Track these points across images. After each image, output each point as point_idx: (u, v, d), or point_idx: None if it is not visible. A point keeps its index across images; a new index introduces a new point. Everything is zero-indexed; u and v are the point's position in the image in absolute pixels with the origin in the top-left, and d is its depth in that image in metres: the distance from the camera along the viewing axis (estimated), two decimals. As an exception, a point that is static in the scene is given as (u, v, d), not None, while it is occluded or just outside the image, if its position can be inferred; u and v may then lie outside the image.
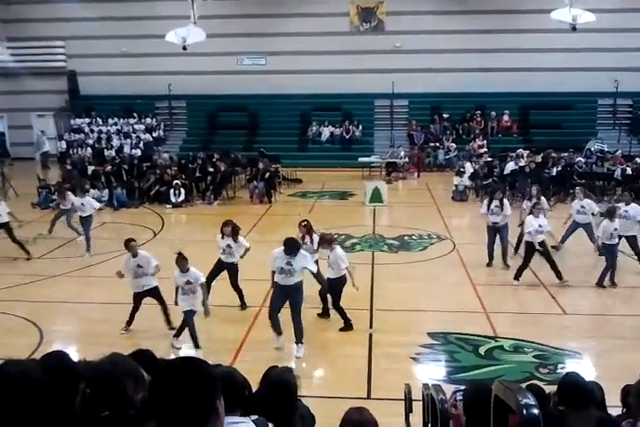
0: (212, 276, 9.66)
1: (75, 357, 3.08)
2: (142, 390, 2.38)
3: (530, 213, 11.27)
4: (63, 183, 17.83)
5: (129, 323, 9.09)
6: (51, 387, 2.51)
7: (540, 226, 10.90)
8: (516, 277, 11.14)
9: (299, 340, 8.45)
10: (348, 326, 9.18)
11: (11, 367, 2.54)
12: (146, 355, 3.30)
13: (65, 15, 26.90)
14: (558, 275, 10.97)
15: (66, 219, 14.21)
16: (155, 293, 9.10)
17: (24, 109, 28.11)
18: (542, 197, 12.69)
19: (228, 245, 9.67)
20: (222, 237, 9.74)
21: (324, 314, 9.64)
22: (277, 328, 8.50)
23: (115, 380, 2.37)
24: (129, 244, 9.11)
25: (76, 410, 2.44)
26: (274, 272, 8.56)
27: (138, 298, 9.11)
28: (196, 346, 8.31)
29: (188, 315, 8.39)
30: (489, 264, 12.21)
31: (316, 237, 9.70)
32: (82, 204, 13.42)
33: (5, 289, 11.05)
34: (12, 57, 25.52)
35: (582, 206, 12.56)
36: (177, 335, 8.68)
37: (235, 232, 9.78)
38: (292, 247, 8.39)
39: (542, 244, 10.93)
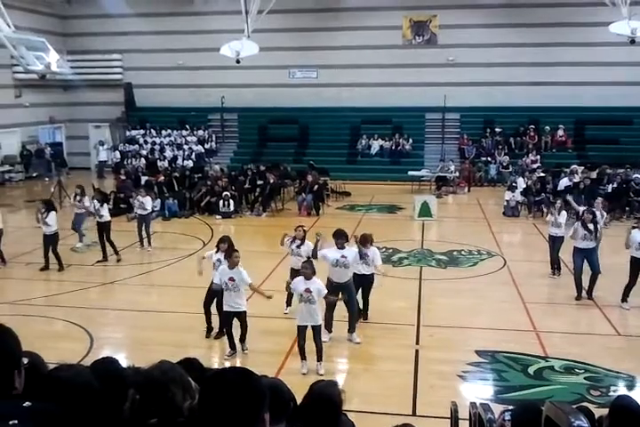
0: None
1: (124, 363, 3.12)
2: (190, 398, 2.40)
3: (634, 228, 10.59)
4: (117, 192, 18.30)
5: (231, 346, 8.67)
6: (100, 392, 2.55)
7: None
8: (624, 298, 10.49)
9: (352, 329, 9.10)
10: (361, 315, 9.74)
11: (63, 372, 2.59)
12: (193, 363, 3.32)
13: (122, 29, 27.74)
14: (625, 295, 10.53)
15: (77, 222, 14.84)
16: (242, 317, 8.64)
17: (82, 120, 29.04)
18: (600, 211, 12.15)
19: (219, 260, 9.55)
20: (217, 252, 9.65)
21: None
22: (329, 326, 9.09)
23: (164, 387, 2.39)
24: (232, 254, 8.57)
25: (124, 416, 2.46)
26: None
27: (226, 318, 8.67)
28: (303, 358, 8.08)
29: (301, 331, 8.05)
30: (578, 297, 10.93)
31: (309, 245, 9.84)
32: (142, 202, 14.63)
33: (59, 295, 11.33)
34: (72, 70, 26.31)
35: None
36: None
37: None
38: (342, 236, 9.14)
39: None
